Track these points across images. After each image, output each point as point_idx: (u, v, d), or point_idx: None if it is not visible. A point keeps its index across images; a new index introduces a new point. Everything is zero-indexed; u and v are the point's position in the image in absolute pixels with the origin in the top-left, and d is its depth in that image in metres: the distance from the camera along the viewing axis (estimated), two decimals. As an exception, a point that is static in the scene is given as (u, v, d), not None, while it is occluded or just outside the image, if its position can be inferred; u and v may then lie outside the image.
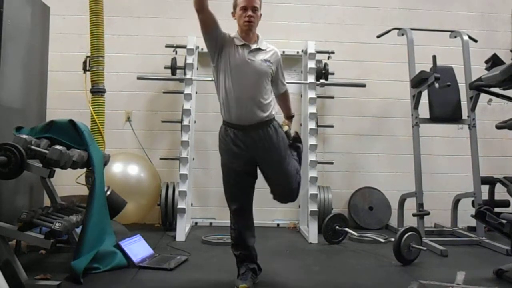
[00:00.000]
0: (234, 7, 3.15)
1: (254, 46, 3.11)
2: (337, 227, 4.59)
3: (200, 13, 3.06)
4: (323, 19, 5.66)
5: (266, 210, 5.24)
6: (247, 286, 3.04)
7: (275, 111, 3.17)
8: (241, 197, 3.19)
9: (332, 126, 5.45)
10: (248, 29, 3.08)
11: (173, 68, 5.25)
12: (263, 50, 3.13)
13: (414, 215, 4.66)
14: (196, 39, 5.21)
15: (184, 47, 5.18)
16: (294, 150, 3.29)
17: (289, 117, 3.46)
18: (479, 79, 4.26)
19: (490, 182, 5.03)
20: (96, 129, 4.30)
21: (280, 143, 3.11)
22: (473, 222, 4.86)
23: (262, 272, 3.28)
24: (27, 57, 4.18)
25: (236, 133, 3.06)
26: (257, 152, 3.08)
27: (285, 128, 3.31)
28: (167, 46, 5.26)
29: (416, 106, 4.77)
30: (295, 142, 3.32)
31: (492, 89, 4.34)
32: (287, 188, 3.18)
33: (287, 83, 3.41)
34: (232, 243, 3.26)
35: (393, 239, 3.91)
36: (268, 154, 3.08)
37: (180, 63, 5.24)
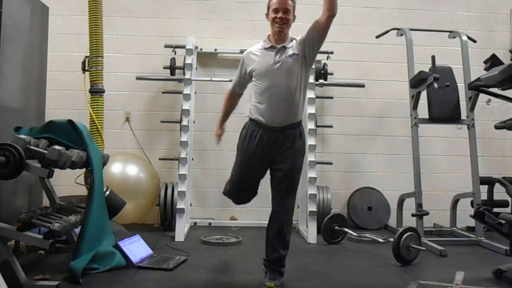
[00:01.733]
0: (268, 8, 3.18)
1: (279, 45, 3.13)
2: (336, 227, 4.59)
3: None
4: (322, 19, 5.66)
5: (266, 210, 5.24)
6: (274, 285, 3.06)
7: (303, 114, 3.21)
8: (246, 196, 3.30)
9: (331, 126, 5.45)
10: (279, 30, 3.11)
11: (172, 68, 5.24)
12: (288, 47, 3.14)
13: (413, 215, 4.66)
14: (195, 39, 5.22)
15: (183, 47, 5.18)
16: None
17: None
18: (478, 79, 4.26)
19: (489, 182, 5.03)
20: (95, 129, 4.30)
21: (301, 150, 3.19)
22: (472, 222, 4.86)
23: (259, 272, 3.28)
24: (26, 57, 4.17)
25: (263, 134, 3.11)
26: (276, 152, 3.12)
27: None
28: (166, 46, 5.26)
29: (415, 106, 4.77)
30: None
31: (491, 89, 4.35)
32: (283, 200, 3.18)
33: None
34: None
35: (392, 239, 3.91)
36: (286, 156, 3.12)
37: (179, 63, 5.24)
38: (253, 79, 3.17)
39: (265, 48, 3.15)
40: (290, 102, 3.09)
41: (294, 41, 3.17)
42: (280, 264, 3.19)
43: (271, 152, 3.12)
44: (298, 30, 5.48)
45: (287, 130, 3.11)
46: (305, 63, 3.13)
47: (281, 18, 3.08)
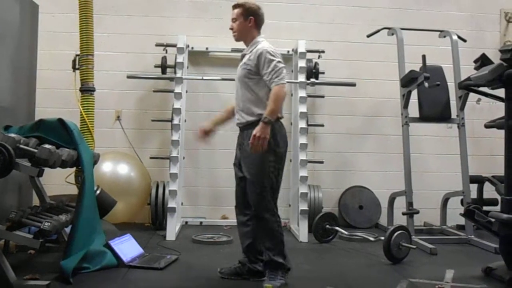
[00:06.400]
0: None
1: (245, 51, 3.28)
2: (327, 226, 4.60)
3: None
4: (314, 18, 5.67)
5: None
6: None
7: (258, 115, 3.09)
8: (239, 198, 3.30)
9: (322, 125, 5.45)
10: (235, 39, 3.31)
11: (163, 66, 5.23)
12: (248, 54, 3.23)
13: (403, 213, 4.68)
14: (186, 38, 5.20)
15: (174, 45, 5.17)
16: None
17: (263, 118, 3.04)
18: (468, 78, 4.29)
19: (479, 181, 5.07)
20: (85, 128, 4.28)
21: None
22: (462, 221, 4.90)
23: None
24: (16, 55, 4.14)
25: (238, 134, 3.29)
26: (240, 151, 3.22)
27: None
28: (157, 44, 5.24)
29: (405, 105, 4.79)
30: None
31: (481, 89, 4.38)
32: (250, 192, 3.16)
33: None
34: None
35: (383, 238, 3.94)
36: (244, 154, 3.15)
37: (170, 61, 5.22)
38: None
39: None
40: (242, 106, 3.19)
41: (254, 48, 3.20)
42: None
43: (239, 149, 3.24)
44: (288, 29, 5.55)
45: (245, 130, 3.16)
46: (250, 76, 3.17)
47: (231, 28, 3.29)
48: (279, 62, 3.10)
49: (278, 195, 3.24)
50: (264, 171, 3.07)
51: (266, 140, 2.95)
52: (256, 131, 2.95)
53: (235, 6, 3.27)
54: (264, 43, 3.20)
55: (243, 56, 3.28)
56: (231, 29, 3.27)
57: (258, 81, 3.13)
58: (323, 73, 5.39)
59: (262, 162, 3.06)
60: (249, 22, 3.22)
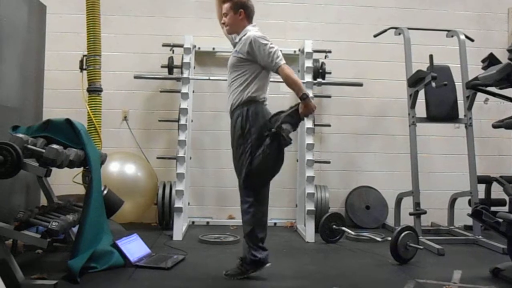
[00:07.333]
0: None
1: (235, 41, 3.41)
2: (334, 226, 4.59)
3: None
4: (320, 18, 5.67)
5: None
6: None
7: (245, 98, 3.25)
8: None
9: (329, 125, 5.45)
10: (228, 32, 3.47)
11: (170, 67, 5.24)
12: (238, 42, 3.34)
13: (410, 214, 4.66)
14: (193, 38, 5.21)
15: (181, 46, 5.18)
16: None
17: (300, 98, 3.27)
18: (476, 78, 4.27)
19: (487, 181, 5.04)
20: (93, 128, 4.30)
21: (236, 129, 3.28)
22: (469, 221, 4.87)
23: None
24: (24, 56, 4.17)
25: None
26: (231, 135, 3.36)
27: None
28: (164, 45, 5.25)
29: (413, 105, 4.77)
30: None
31: (489, 88, 4.36)
32: (236, 168, 3.35)
33: None
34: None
35: (390, 238, 3.92)
36: (231, 135, 3.34)
37: (177, 62, 5.23)
38: None
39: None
40: (230, 91, 3.35)
41: (244, 37, 3.29)
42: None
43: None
44: (294, 29, 5.55)
45: (232, 114, 3.32)
46: (240, 64, 3.30)
47: (222, 23, 3.44)
48: (271, 45, 3.21)
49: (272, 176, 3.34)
50: (242, 162, 3.24)
51: (312, 110, 3.27)
52: (300, 111, 3.21)
53: (224, 1, 3.38)
54: (252, 31, 3.29)
55: (234, 45, 3.40)
56: (223, 23, 3.40)
57: (247, 67, 3.27)
58: (329, 73, 5.39)
59: (240, 154, 3.24)
60: (240, 15, 3.34)
